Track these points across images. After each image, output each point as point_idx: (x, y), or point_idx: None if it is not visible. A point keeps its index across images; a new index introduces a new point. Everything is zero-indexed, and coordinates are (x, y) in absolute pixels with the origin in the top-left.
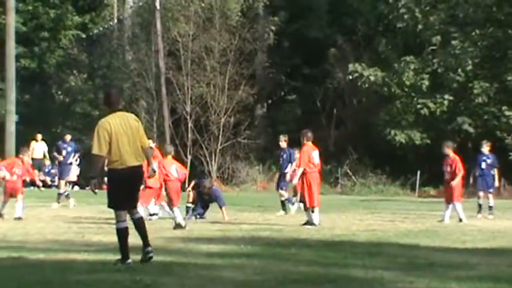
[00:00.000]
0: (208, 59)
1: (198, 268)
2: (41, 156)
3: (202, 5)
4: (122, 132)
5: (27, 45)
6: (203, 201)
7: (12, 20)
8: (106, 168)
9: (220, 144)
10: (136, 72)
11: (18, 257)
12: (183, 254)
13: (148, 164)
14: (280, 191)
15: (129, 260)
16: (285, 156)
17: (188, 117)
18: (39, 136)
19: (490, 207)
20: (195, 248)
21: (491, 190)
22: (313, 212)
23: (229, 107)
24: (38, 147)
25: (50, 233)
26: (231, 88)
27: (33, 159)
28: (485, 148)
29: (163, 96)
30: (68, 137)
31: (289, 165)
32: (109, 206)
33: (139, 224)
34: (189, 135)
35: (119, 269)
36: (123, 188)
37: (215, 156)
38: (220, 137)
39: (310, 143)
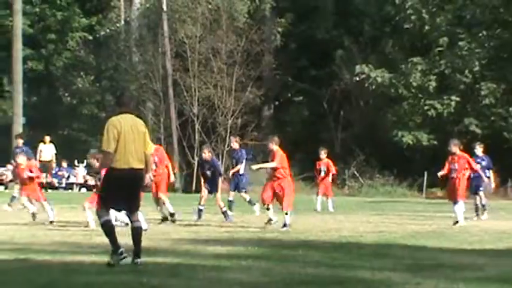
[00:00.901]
0: (215, 61)
1: (205, 270)
2: (49, 159)
3: (209, 6)
4: (129, 133)
5: (34, 48)
6: (207, 179)
7: (19, 22)
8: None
9: (227, 146)
10: (143, 74)
11: (25, 259)
12: (191, 256)
13: (146, 171)
14: (242, 194)
15: (121, 249)
16: (237, 157)
17: (195, 118)
18: (47, 138)
19: (483, 206)
20: (202, 249)
21: (481, 189)
22: (268, 209)
23: (236, 108)
24: (46, 150)
25: (57, 235)
26: (238, 90)
27: (41, 161)
28: (479, 150)
29: (171, 97)
30: (20, 142)
31: (241, 165)
32: (98, 201)
33: (137, 234)
34: (196, 137)
35: (125, 271)
36: (120, 187)
37: (222, 157)
38: (227, 138)
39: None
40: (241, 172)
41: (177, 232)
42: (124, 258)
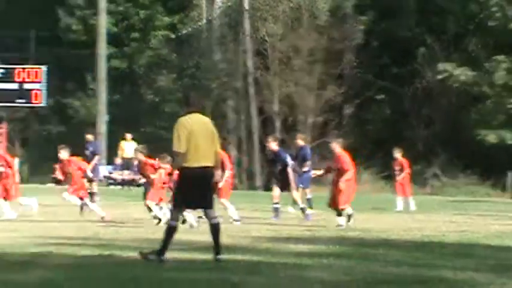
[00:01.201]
0: (296, 59)
1: (286, 268)
2: (131, 156)
3: (291, 4)
4: (199, 132)
5: (117, 46)
6: (274, 175)
7: (103, 21)
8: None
9: (311, 143)
10: (225, 72)
11: (109, 255)
12: (271, 254)
13: (216, 169)
14: (304, 189)
15: (165, 257)
16: (302, 154)
17: (276, 116)
18: (128, 136)
19: None
20: (283, 247)
21: None
22: (339, 215)
23: (317, 106)
24: (128, 147)
25: (140, 231)
26: (318, 88)
27: (123, 158)
28: None
29: (251, 96)
30: (89, 137)
31: (305, 163)
32: (173, 202)
33: (216, 230)
34: (277, 135)
35: (206, 268)
36: (193, 186)
37: None
38: (308, 136)
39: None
40: (305, 169)
41: (257, 230)
42: (162, 263)
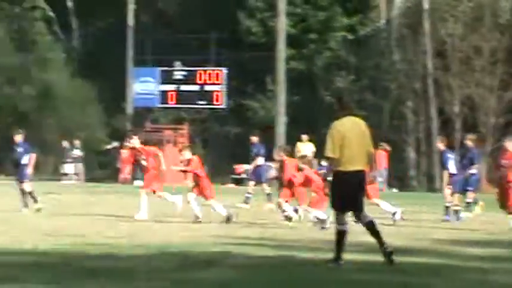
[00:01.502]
0: (477, 59)
1: (466, 271)
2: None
3: (471, 4)
4: (353, 136)
5: (296, 47)
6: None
7: (283, 24)
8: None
9: (493, 145)
10: (403, 72)
11: (288, 256)
12: (450, 257)
13: (371, 169)
14: (468, 192)
15: (342, 262)
16: (471, 156)
17: (456, 118)
18: (304, 137)
19: None
20: (462, 250)
21: None
22: None
23: (499, 107)
24: (304, 148)
25: (318, 232)
26: (500, 88)
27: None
28: None
29: (431, 97)
30: (254, 139)
31: (472, 166)
32: (332, 207)
33: (373, 228)
34: (457, 137)
35: (383, 270)
36: (347, 190)
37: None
38: (489, 138)
39: None
40: (473, 171)
41: (435, 232)
42: (340, 267)
